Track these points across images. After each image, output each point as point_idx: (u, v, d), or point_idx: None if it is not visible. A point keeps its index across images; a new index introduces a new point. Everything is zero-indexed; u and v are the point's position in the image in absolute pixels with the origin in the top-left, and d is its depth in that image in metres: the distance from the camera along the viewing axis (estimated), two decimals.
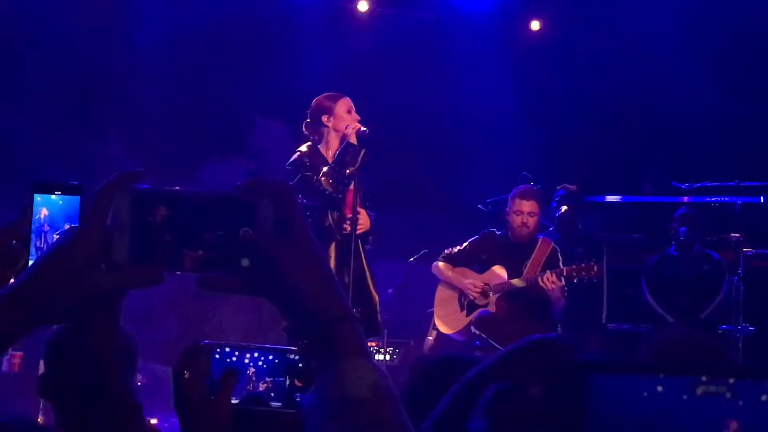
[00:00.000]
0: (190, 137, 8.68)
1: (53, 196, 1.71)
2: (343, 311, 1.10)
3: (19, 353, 6.80)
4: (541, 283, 6.37)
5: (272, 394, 1.65)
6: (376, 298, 5.85)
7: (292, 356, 1.80)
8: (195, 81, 8.82)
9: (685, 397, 0.83)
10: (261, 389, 1.65)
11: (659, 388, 0.83)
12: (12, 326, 1.07)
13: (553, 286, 6.34)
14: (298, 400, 1.59)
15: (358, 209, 5.67)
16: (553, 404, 0.86)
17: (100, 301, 1.12)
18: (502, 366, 1.06)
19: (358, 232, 5.62)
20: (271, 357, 1.69)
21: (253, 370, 1.65)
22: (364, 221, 5.69)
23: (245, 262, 1.09)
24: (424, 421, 1.15)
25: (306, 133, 5.86)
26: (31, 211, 1.70)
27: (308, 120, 5.84)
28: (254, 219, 1.10)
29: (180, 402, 1.57)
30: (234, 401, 1.60)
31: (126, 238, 1.09)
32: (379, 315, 5.85)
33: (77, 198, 1.72)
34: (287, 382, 1.66)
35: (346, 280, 5.58)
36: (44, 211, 1.69)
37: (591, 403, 0.83)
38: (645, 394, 0.83)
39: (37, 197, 1.70)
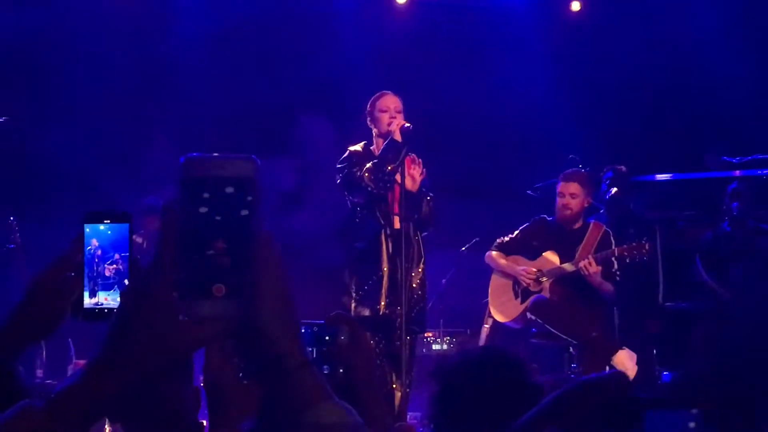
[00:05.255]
0: (237, 137, 8.73)
1: (101, 226, 1.73)
2: (303, 357, 1.12)
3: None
4: (582, 270, 6.35)
5: None
6: (423, 292, 5.87)
7: (315, 329, 1.88)
8: (238, 80, 8.87)
9: None
10: None
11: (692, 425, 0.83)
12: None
13: (591, 270, 6.32)
14: (325, 371, 1.64)
15: (412, 168, 5.72)
16: None
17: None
18: (556, 407, 1.07)
19: (409, 187, 5.67)
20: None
21: None
22: (414, 178, 5.72)
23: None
24: None
25: None
26: (83, 242, 1.73)
27: None
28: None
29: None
30: None
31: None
32: (423, 310, 5.88)
33: (126, 226, 1.75)
34: (314, 353, 1.72)
35: (399, 276, 5.61)
36: (94, 242, 1.72)
37: None
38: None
39: (86, 228, 1.73)
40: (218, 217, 1.08)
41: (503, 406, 2.13)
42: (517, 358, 2.25)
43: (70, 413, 1.07)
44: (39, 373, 6.77)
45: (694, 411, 0.81)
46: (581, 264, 6.38)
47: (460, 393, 2.18)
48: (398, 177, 5.64)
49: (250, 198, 1.09)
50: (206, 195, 1.08)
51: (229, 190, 1.09)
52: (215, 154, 1.11)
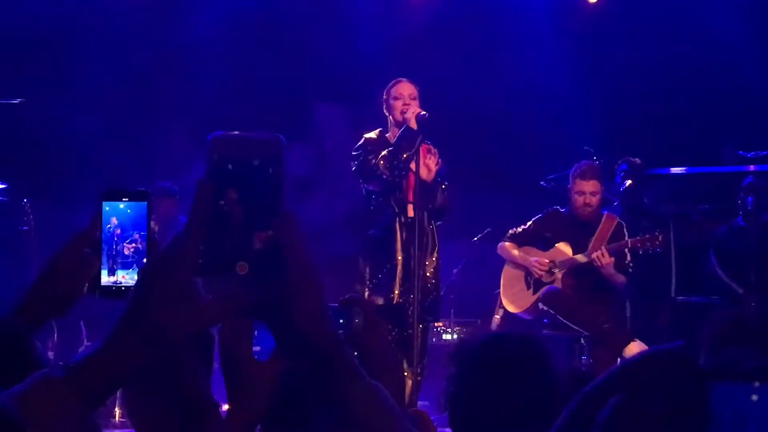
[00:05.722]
0: (252, 123, 8.73)
1: (121, 205, 1.73)
2: (334, 336, 1.13)
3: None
4: (595, 261, 6.34)
5: None
6: (437, 281, 5.88)
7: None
8: (253, 66, 8.87)
9: None
10: None
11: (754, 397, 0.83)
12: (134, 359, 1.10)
13: (604, 262, 6.31)
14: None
15: (428, 158, 5.71)
16: (675, 415, 0.88)
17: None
18: (620, 379, 1.07)
19: (424, 176, 5.66)
20: None
21: None
22: (430, 168, 5.72)
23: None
24: None
25: None
26: (101, 219, 1.72)
27: None
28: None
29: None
30: None
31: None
32: (437, 299, 5.89)
33: (144, 204, 1.75)
34: None
35: (413, 263, 5.61)
36: (114, 220, 1.72)
37: (712, 412, 0.84)
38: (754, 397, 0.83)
39: (105, 206, 1.72)
40: (248, 197, 1.09)
41: (524, 391, 2.12)
42: (542, 344, 2.25)
43: (88, 383, 1.07)
44: (50, 355, 6.79)
45: (757, 384, 0.80)
46: (594, 255, 6.37)
47: (482, 376, 2.17)
48: (413, 165, 5.63)
49: (277, 176, 1.09)
50: (235, 173, 1.09)
51: (257, 167, 1.09)
52: (242, 133, 1.11)
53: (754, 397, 0.83)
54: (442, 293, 6.41)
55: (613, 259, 6.35)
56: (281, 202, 1.09)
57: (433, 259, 5.84)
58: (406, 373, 5.55)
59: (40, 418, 1.04)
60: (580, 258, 6.54)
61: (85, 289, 1.74)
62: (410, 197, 5.73)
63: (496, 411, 2.12)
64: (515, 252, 6.79)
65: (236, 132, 1.12)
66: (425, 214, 5.74)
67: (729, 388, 0.83)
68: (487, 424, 2.11)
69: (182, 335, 1.10)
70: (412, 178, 5.70)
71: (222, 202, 1.08)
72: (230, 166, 1.09)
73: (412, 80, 5.99)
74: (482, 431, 2.13)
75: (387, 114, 5.93)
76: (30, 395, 1.06)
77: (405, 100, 5.81)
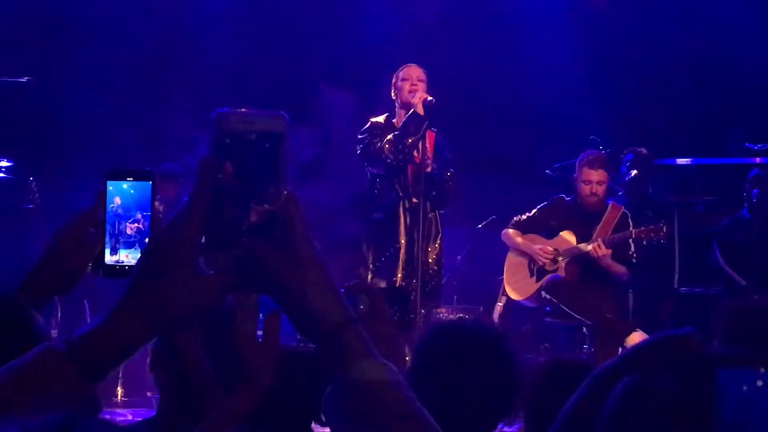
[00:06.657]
0: (257, 106, 8.70)
1: (124, 185, 1.74)
2: (344, 316, 1.14)
3: None
4: (591, 252, 6.34)
5: None
6: (439, 267, 5.90)
7: None
8: (260, 49, 8.86)
9: None
10: None
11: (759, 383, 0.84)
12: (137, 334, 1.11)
13: (600, 253, 6.31)
14: None
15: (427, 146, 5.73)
16: (683, 398, 0.90)
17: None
18: (631, 361, 1.09)
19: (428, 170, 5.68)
20: None
21: None
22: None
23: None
24: (555, 418, 1.20)
25: None
26: (105, 198, 1.73)
27: None
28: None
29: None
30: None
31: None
32: (438, 285, 5.91)
33: (148, 184, 1.75)
34: None
35: (415, 247, 5.62)
36: (117, 200, 1.73)
37: (720, 397, 0.85)
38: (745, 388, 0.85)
39: (109, 185, 1.73)
40: (248, 173, 1.09)
41: (477, 375, 2.14)
42: (495, 330, 2.27)
43: (90, 357, 1.08)
44: (53, 333, 6.82)
45: (762, 370, 0.82)
46: (590, 247, 6.37)
47: (434, 361, 2.20)
48: (420, 150, 5.66)
49: (274, 151, 1.10)
50: (232, 147, 1.10)
51: (253, 142, 1.10)
52: (246, 110, 1.12)
53: (760, 383, 0.84)
54: (444, 280, 6.42)
55: (610, 251, 6.35)
56: (278, 176, 1.10)
57: (436, 245, 5.85)
58: (407, 358, 5.56)
59: (42, 390, 1.05)
60: (584, 247, 6.53)
61: (89, 267, 1.75)
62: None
63: (446, 397, 2.14)
64: (519, 239, 6.80)
65: (240, 109, 1.13)
66: (427, 202, 5.76)
67: (735, 374, 0.85)
68: (438, 406, 2.13)
69: (184, 311, 1.11)
70: (417, 161, 5.72)
71: (220, 176, 1.09)
72: (228, 141, 1.10)
73: (420, 67, 6.00)
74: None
75: (394, 98, 5.94)
76: (32, 367, 1.07)
77: (413, 82, 5.83)
